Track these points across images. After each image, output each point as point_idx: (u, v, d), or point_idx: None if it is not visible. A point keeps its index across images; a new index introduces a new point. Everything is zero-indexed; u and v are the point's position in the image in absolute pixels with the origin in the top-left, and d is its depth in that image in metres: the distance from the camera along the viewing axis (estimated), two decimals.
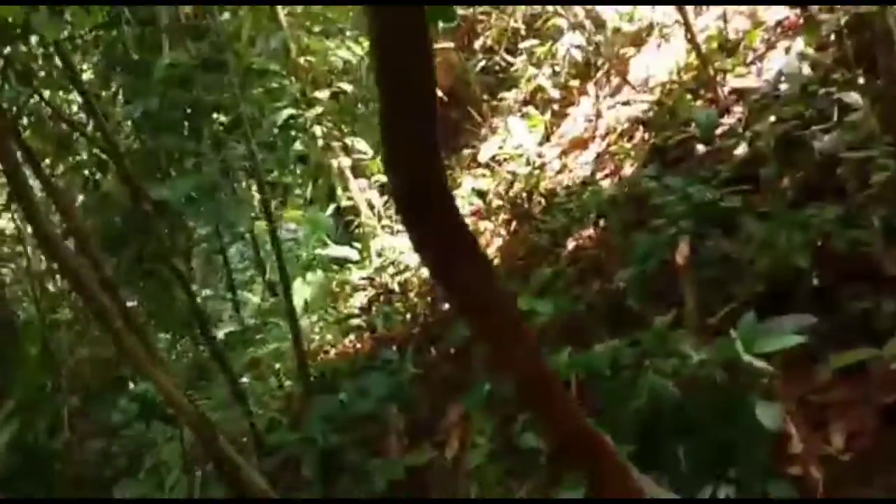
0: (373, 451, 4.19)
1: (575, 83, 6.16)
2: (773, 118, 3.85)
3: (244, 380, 6.57)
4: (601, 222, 4.32)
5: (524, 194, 4.92)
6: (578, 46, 5.84)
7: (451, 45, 6.91)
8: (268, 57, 5.90)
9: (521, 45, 6.60)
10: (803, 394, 2.46)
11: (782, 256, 2.88)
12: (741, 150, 3.87)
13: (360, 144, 5.94)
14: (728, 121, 4.32)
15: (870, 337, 2.63)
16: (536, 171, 5.07)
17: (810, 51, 4.17)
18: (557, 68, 6.22)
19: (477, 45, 7.17)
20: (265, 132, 5.65)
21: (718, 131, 4.22)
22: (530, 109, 6.16)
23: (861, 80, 3.61)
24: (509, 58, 6.75)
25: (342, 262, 6.27)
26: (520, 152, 5.67)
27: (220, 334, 8.08)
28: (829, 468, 2.44)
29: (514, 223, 4.89)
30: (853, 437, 2.55)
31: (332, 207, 6.02)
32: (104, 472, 5.15)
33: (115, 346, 3.04)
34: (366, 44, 6.40)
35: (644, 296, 3.18)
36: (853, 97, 3.48)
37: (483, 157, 5.76)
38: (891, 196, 2.97)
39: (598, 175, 4.97)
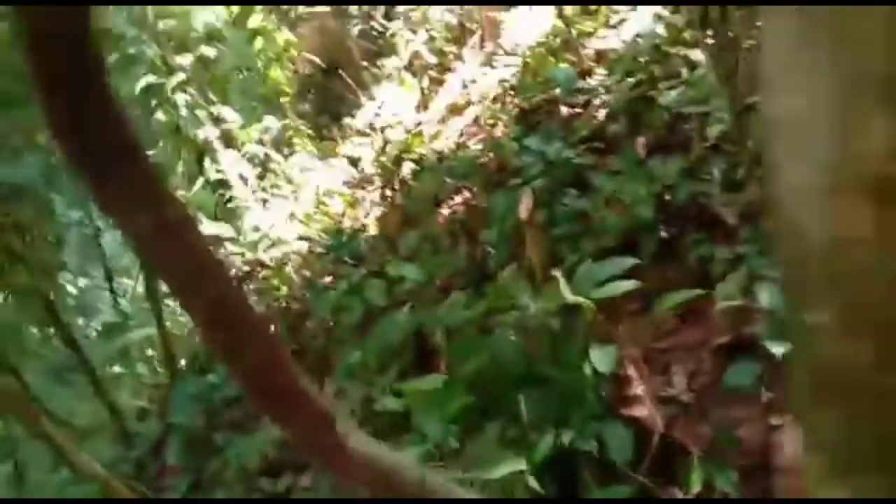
0: (248, 431, 4.04)
1: (451, 48, 6.11)
2: (628, 78, 3.95)
3: (116, 369, 6.21)
4: (471, 186, 4.31)
5: (397, 161, 4.84)
6: (451, 10, 5.79)
7: (328, 8, 6.70)
8: (124, 20, 5.48)
9: (398, 9, 6.48)
10: (645, 339, 2.53)
11: (628, 210, 2.95)
12: (599, 109, 3.96)
13: (229, 113, 5.65)
14: (591, 82, 4.41)
15: (707, 283, 2.75)
16: (409, 137, 5.00)
17: (665, 12, 4.30)
18: (434, 33, 6.15)
19: (354, 9, 6.99)
20: (123, 102, 5.26)
21: (582, 93, 4.30)
22: (408, 76, 6.07)
23: (708, 40, 3.76)
24: (386, 22, 6.61)
25: (215, 240, 5.98)
26: (397, 119, 5.59)
27: (95, 325, 7.60)
28: (669, 408, 2.54)
29: (387, 190, 4.81)
30: (693, 378, 2.67)
31: (199, 182, 5.71)
32: None
33: None
34: (232, 7, 6.07)
35: (502, 255, 3.18)
36: (698, 55, 3.61)
37: (359, 124, 5.63)
38: (728, 148, 3.11)
39: (471, 139, 4.97)
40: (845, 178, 0.49)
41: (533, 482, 2.09)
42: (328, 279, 4.62)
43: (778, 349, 2.14)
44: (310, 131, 6.85)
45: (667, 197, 3.21)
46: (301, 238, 5.08)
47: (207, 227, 6.06)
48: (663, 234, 3.14)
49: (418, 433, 2.26)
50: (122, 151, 0.28)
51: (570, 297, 2.00)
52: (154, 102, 5.40)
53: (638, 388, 2.42)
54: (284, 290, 5.06)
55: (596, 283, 2.13)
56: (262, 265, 5.22)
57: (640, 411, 2.43)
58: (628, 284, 2.20)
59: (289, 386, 0.30)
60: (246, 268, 5.32)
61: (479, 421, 2.16)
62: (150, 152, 6.18)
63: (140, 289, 8.13)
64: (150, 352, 5.77)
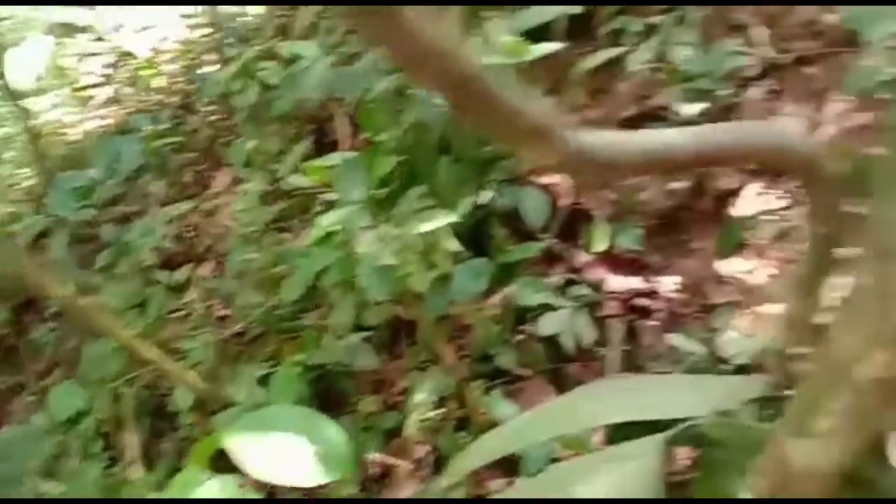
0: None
1: None
2: None
3: None
4: None
5: None
6: None
7: None
8: None
9: None
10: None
11: None
12: None
13: None
14: None
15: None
16: None
17: None
18: None
19: None
20: None
21: None
22: None
23: None
24: None
25: (70, 30, 5.21)
26: None
27: None
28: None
29: None
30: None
31: None
32: None
33: None
34: None
35: None
36: None
37: None
38: None
39: None
40: None
41: (455, 242, 2.14)
42: (213, 67, 4.22)
43: (688, 109, 2.22)
44: None
45: None
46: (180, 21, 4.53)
47: (56, 14, 5.26)
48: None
49: (340, 199, 2.22)
50: None
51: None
52: None
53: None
54: (158, 81, 4.60)
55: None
56: (132, 55, 4.65)
57: (550, 179, 2.51)
58: (550, 46, 2.15)
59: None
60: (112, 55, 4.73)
61: (402, 186, 2.14)
62: None
63: None
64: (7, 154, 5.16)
